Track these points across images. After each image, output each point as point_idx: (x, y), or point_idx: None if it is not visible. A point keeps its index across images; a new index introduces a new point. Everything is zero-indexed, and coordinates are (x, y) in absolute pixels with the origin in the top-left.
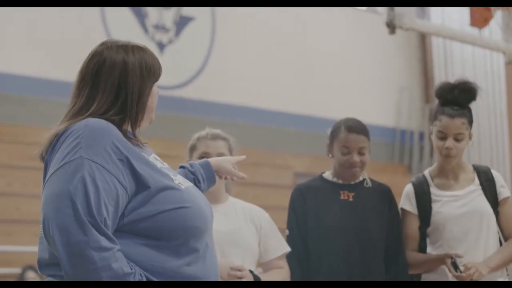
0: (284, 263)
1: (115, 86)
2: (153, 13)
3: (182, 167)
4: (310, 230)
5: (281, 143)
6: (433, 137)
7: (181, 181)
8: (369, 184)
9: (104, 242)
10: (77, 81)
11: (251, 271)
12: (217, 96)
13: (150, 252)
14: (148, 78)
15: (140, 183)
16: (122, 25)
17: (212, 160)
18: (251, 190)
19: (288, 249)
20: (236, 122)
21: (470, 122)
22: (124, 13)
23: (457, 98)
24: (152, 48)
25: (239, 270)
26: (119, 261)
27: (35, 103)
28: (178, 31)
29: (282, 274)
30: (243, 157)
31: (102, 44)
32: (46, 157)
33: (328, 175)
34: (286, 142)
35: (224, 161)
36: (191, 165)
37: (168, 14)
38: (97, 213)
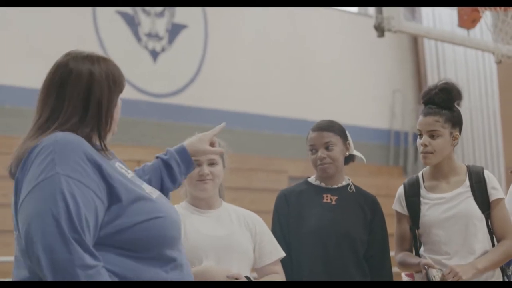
0: (279, 268)
1: (82, 97)
2: (145, 21)
3: (157, 157)
4: (293, 234)
5: (276, 148)
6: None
7: (151, 190)
8: (353, 189)
9: (89, 259)
10: (41, 93)
11: (247, 277)
12: (211, 103)
13: (129, 263)
14: (114, 90)
15: (113, 195)
16: (115, 34)
17: (188, 144)
18: (247, 195)
19: (283, 254)
20: (231, 128)
21: (452, 123)
22: (117, 22)
23: (434, 97)
24: (145, 56)
25: (236, 279)
26: (103, 278)
27: (31, 114)
28: (171, 39)
29: (278, 279)
30: (222, 125)
31: (67, 55)
32: (17, 175)
33: (312, 179)
34: (281, 147)
35: (198, 142)
36: (165, 153)
37: (160, 22)
38: (80, 229)
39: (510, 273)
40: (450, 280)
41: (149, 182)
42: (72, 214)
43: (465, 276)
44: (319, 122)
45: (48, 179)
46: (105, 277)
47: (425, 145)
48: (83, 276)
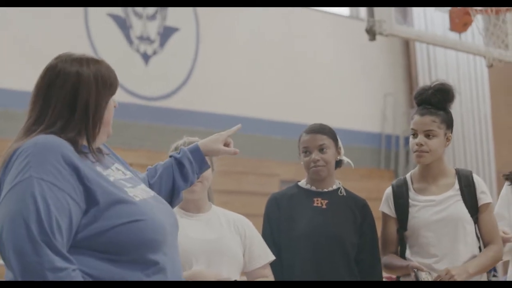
0: (268, 272)
1: (69, 99)
2: (137, 24)
3: (170, 156)
4: (283, 237)
5: (267, 151)
6: (410, 137)
7: (139, 193)
8: (344, 193)
9: (59, 262)
10: (32, 96)
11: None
12: (203, 106)
13: (109, 266)
14: (104, 91)
15: (90, 198)
16: (107, 37)
17: (201, 143)
18: (237, 199)
19: (272, 257)
20: (221, 131)
21: (447, 124)
22: (109, 25)
23: (430, 97)
24: (137, 59)
25: None
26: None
27: (22, 117)
28: (162, 42)
29: None
30: (238, 126)
31: (57, 57)
32: (1, 177)
33: (303, 182)
34: (272, 150)
35: (212, 142)
36: (178, 151)
37: (152, 25)
38: (50, 232)
39: (491, 278)
40: (445, 280)
41: (160, 181)
42: (42, 217)
43: (459, 279)
44: (313, 125)
45: (22, 182)
46: (78, 279)
47: (421, 145)
48: (52, 279)
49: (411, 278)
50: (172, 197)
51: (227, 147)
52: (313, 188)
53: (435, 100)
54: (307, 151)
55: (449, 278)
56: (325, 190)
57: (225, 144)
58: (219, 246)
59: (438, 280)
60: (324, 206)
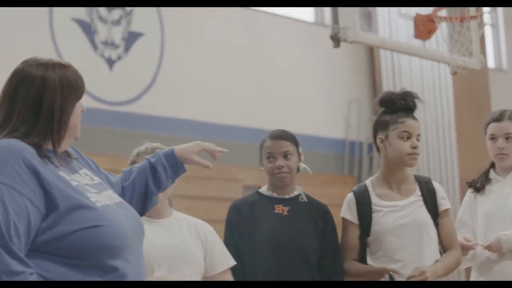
0: (229, 277)
1: (34, 103)
2: (102, 29)
3: (146, 159)
4: (245, 244)
5: (231, 157)
6: (394, 141)
7: (102, 199)
8: (305, 199)
9: (16, 266)
10: None
11: None
12: (167, 111)
13: (67, 271)
14: (70, 95)
15: (50, 203)
16: (71, 42)
17: (177, 149)
18: (201, 204)
19: (233, 262)
20: (186, 136)
21: None
22: (73, 30)
23: (410, 104)
24: (102, 64)
25: None
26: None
27: None
28: (127, 47)
29: None
30: (224, 150)
31: (24, 62)
32: None
33: (264, 189)
34: (236, 156)
35: (188, 149)
36: (153, 155)
37: (117, 30)
38: (7, 235)
39: None
40: (417, 279)
41: (133, 184)
42: (0, 220)
43: (431, 279)
44: (275, 131)
45: None
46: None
47: (416, 147)
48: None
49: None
50: (145, 201)
51: (201, 159)
52: (275, 194)
53: (414, 105)
54: (271, 157)
55: (424, 278)
56: (287, 196)
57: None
58: (181, 251)
59: (411, 280)
60: (285, 213)
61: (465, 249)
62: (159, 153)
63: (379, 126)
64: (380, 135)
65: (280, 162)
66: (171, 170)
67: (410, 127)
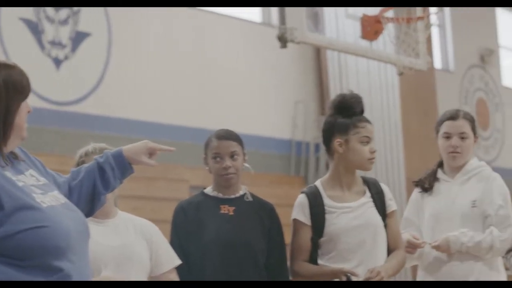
0: (175, 276)
1: None
2: (49, 29)
3: (95, 159)
4: (192, 245)
5: (177, 157)
6: (355, 146)
7: (48, 200)
8: (250, 198)
9: None
10: None
11: None
12: (114, 112)
13: (12, 271)
14: (15, 96)
15: None
16: (18, 41)
17: (125, 149)
18: (148, 204)
19: (178, 262)
20: (132, 136)
21: None
22: (21, 29)
23: (362, 106)
24: (49, 64)
25: None
26: None
27: None
28: (74, 47)
29: None
30: (172, 149)
31: None
32: None
33: (209, 190)
34: (182, 156)
35: (136, 150)
36: (102, 155)
37: (64, 30)
38: None
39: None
40: (374, 280)
41: (81, 184)
42: None
43: (386, 278)
44: (221, 131)
45: None
46: None
47: (374, 152)
48: None
49: None
50: (93, 201)
51: (148, 159)
52: (220, 195)
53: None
54: (217, 157)
55: (380, 278)
56: (232, 196)
57: (152, 154)
58: (127, 252)
59: (367, 280)
60: (231, 213)
61: (414, 247)
62: (107, 153)
63: (338, 130)
64: (339, 139)
65: (227, 162)
66: (119, 171)
67: (369, 131)
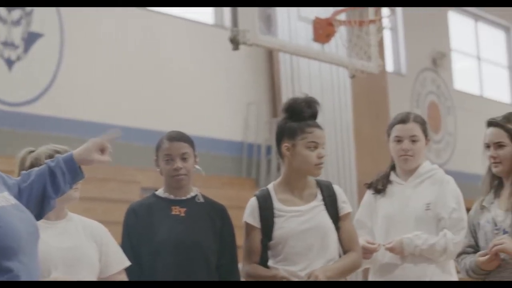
0: (123, 278)
1: None
2: (1, 29)
3: (45, 162)
4: (143, 247)
5: (128, 158)
6: (301, 151)
7: None
8: (201, 199)
9: None
10: None
11: None
12: (66, 113)
13: None
14: None
15: None
16: None
17: (75, 153)
18: (99, 206)
19: (128, 263)
20: (84, 137)
21: None
22: None
23: (315, 113)
24: (1, 65)
25: None
26: None
27: None
28: (26, 48)
29: None
30: (117, 132)
31: None
32: None
33: (160, 191)
34: (133, 157)
35: (85, 151)
36: (53, 159)
37: (16, 31)
38: None
39: None
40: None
41: (31, 187)
42: None
43: (322, 277)
44: (172, 132)
45: None
46: None
47: (322, 157)
48: None
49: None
50: (42, 205)
51: (101, 156)
52: (171, 196)
53: (316, 115)
54: (168, 159)
55: (314, 278)
56: (183, 198)
57: (102, 150)
58: (77, 253)
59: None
60: (182, 214)
61: (369, 252)
62: (58, 158)
63: (286, 134)
64: (287, 143)
65: (178, 164)
66: (69, 175)
67: (317, 137)
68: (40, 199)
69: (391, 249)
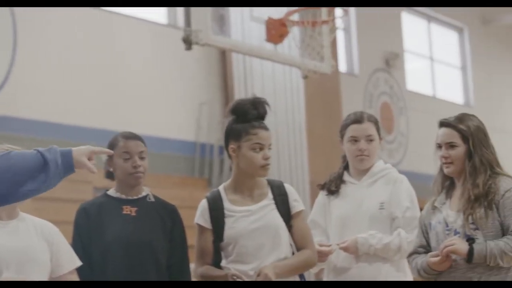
0: (75, 277)
1: None
2: None
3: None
4: (94, 246)
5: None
6: (246, 153)
7: None
8: (152, 199)
9: None
10: None
11: None
12: (18, 112)
13: None
14: None
15: None
16: None
17: (74, 151)
18: (51, 205)
19: (79, 263)
20: (36, 137)
21: None
22: None
23: (263, 112)
24: None
25: None
26: None
27: None
28: None
29: None
30: (111, 152)
31: None
32: None
33: (112, 191)
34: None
35: (81, 154)
36: (51, 149)
37: None
38: None
39: None
40: (260, 279)
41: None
42: None
43: (273, 276)
44: (126, 132)
45: None
46: None
47: (268, 158)
48: None
49: None
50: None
51: (88, 162)
52: (123, 196)
53: (264, 116)
54: (126, 157)
55: (264, 277)
56: (135, 197)
57: (89, 158)
58: (28, 253)
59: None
60: (133, 214)
61: (324, 255)
62: (55, 149)
63: (231, 136)
64: (232, 145)
65: (138, 161)
66: (63, 168)
67: (262, 138)
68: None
69: (345, 249)
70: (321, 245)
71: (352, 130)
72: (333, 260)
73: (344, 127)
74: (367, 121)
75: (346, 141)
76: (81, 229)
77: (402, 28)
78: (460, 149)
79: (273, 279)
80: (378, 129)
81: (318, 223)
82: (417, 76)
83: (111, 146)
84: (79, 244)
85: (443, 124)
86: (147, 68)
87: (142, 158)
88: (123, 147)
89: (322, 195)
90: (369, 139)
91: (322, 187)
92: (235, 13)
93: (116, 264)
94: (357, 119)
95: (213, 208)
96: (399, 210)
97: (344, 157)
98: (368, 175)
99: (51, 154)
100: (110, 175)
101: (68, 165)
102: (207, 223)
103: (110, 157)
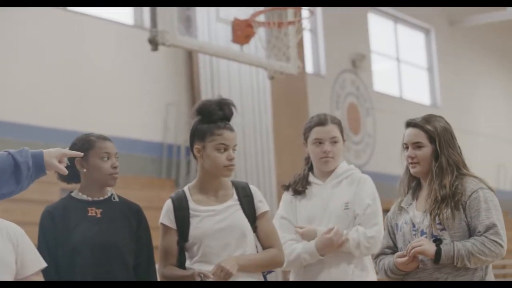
0: (40, 278)
1: None
2: None
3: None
4: (60, 249)
5: None
6: (211, 153)
7: None
8: (116, 199)
9: None
10: None
11: None
12: None
13: None
14: None
15: None
16: None
17: (45, 153)
18: (19, 206)
19: (44, 264)
20: (5, 138)
21: None
22: None
23: (229, 114)
24: None
25: None
26: None
27: None
28: None
29: None
30: (80, 154)
31: None
32: None
33: (76, 193)
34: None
35: (51, 157)
36: (22, 151)
37: None
38: None
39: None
40: (222, 278)
41: None
42: None
43: (234, 272)
44: (98, 134)
45: None
46: None
47: (232, 159)
48: None
49: None
50: None
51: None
52: (89, 198)
53: (230, 116)
54: (106, 157)
55: (225, 274)
56: (101, 198)
57: (60, 160)
58: None
59: (216, 278)
60: (98, 215)
61: (303, 236)
62: (26, 151)
63: (196, 136)
64: (197, 145)
65: (116, 162)
66: (35, 170)
67: (226, 139)
68: None
69: (302, 234)
70: (298, 227)
71: (316, 132)
72: (301, 262)
73: (308, 130)
74: (331, 123)
75: (310, 143)
76: (46, 231)
77: (368, 29)
78: (427, 150)
79: (234, 273)
80: (341, 131)
81: (288, 219)
82: (383, 77)
83: (85, 147)
84: (45, 246)
85: (409, 124)
86: (114, 69)
87: (117, 159)
88: (103, 147)
89: (288, 195)
90: (333, 141)
91: (287, 187)
92: (201, 14)
93: (83, 266)
94: (321, 121)
95: (178, 208)
96: (361, 207)
97: (307, 159)
98: (332, 176)
99: (22, 156)
100: (71, 178)
101: (39, 167)
102: (172, 223)
103: (83, 159)
